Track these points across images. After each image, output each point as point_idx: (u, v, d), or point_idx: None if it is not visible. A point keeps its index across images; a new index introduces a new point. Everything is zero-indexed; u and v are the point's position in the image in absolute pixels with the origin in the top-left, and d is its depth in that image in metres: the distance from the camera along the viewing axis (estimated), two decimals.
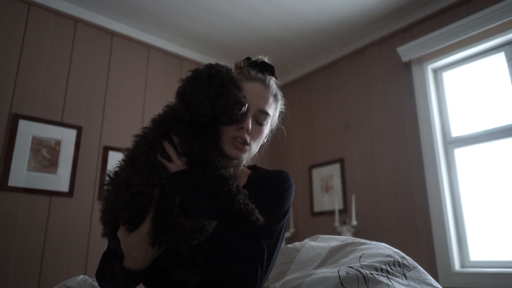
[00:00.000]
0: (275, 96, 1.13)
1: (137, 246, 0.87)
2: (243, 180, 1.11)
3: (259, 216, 0.92)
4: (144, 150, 0.92)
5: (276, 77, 1.17)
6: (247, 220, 0.90)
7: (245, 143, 1.03)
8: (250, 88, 1.06)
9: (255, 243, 0.93)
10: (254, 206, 0.92)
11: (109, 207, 0.90)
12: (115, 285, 0.95)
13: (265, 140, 1.17)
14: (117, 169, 0.94)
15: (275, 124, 1.19)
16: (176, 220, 0.85)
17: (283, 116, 1.22)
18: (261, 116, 1.07)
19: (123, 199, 0.86)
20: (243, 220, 0.91)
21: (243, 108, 0.97)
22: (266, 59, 1.18)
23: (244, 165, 1.18)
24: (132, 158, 0.93)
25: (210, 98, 0.94)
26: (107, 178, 0.96)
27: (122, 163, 0.95)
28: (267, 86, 1.10)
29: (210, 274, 0.90)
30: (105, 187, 0.94)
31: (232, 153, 1.03)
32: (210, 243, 0.89)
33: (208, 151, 0.93)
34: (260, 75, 1.12)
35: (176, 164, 0.93)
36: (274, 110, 1.13)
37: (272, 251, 0.96)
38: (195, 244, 0.85)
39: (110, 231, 0.91)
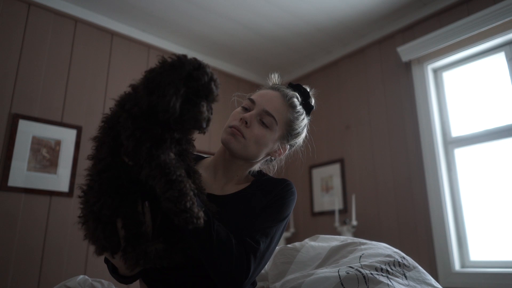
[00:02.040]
0: (291, 106, 1.12)
1: (123, 264, 0.88)
2: (245, 184, 1.12)
3: (188, 219, 0.76)
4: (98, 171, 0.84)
5: (307, 102, 1.18)
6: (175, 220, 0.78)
7: (238, 130, 1.05)
8: (264, 92, 1.14)
9: (250, 239, 0.93)
10: (188, 204, 0.76)
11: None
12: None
13: (279, 154, 1.16)
14: (88, 181, 0.87)
15: (294, 141, 1.17)
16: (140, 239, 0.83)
17: (306, 142, 1.23)
18: (265, 117, 1.08)
19: (91, 235, 0.85)
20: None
21: (202, 129, 0.84)
22: (310, 92, 1.22)
23: (251, 174, 1.17)
24: (93, 175, 0.86)
25: (181, 97, 0.78)
26: (80, 191, 0.89)
27: (90, 177, 0.88)
28: (283, 96, 1.12)
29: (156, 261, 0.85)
30: (80, 201, 0.89)
31: (223, 137, 1.07)
32: (197, 240, 0.88)
33: (139, 148, 0.77)
34: (286, 89, 1.16)
35: None
36: (287, 119, 1.11)
37: (266, 250, 0.95)
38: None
39: (97, 250, 0.89)
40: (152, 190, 0.83)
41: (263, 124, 1.08)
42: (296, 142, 1.18)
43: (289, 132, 1.13)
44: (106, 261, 1.00)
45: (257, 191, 1.07)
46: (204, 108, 0.81)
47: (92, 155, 0.88)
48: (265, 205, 1.02)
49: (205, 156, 1.24)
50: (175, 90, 0.76)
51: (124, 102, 0.82)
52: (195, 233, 0.86)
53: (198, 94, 0.80)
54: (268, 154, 1.15)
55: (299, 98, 1.16)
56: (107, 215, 0.82)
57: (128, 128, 0.78)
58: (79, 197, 0.88)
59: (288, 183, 1.10)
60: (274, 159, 1.21)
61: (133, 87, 0.84)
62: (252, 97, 1.13)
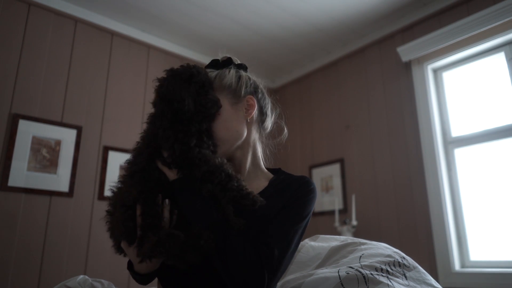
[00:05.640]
0: (226, 86, 1.06)
1: (136, 256, 0.89)
2: (263, 184, 1.07)
3: (255, 198, 0.88)
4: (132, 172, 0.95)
5: (219, 63, 1.16)
6: (243, 205, 0.88)
7: None
8: None
9: (264, 245, 0.89)
10: (249, 189, 0.90)
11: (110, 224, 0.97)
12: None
13: (250, 108, 1.07)
14: (119, 184, 0.97)
15: (243, 89, 1.09)
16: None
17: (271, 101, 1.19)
18: None
19: (113, 223, 0.94)
20: (239, 206, 0.89)
21: (219, 110, 1.00)
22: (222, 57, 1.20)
23: (265, 167, 1.14)
24: (126, 176, 0.96)
25: (191, 96, 0.95)
26: (111, 192, 0.99)
27: (122, 178, 0.97)
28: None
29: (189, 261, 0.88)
30: (109, 202, 0.98)
31: None
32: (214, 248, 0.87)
33: (189, 150, 0.91)
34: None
35: (170, 177, 0.94)
36: (213, 87, 1.04)
37: (283, 255, 0.91)
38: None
39: (116, 245, 0.96)
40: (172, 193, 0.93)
41: None
42: (248, 89, 1.10)
43: (229, 90, 1.06)
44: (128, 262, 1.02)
45: (274, 192, 1.03)
46: (212, 92, 1.00)
47: (129, 160, 0.98)
48: (282, 206, 0.98)
49: None
50: (188, 93, 0.94)
51: (154, 121, 0.97)
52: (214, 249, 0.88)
53: (203, 84, 0.98)
54: (244, 120, 1.06)
55: (206, 69, 1.09)
56: (133, 194, 0.91)
57: (169, 136, 0.92)
58: (108, 198, 0.98)
59: (307, 181, 1.04)
60: (254, 121, 1.10)
61: (153, 103, 0.99)
62: None
